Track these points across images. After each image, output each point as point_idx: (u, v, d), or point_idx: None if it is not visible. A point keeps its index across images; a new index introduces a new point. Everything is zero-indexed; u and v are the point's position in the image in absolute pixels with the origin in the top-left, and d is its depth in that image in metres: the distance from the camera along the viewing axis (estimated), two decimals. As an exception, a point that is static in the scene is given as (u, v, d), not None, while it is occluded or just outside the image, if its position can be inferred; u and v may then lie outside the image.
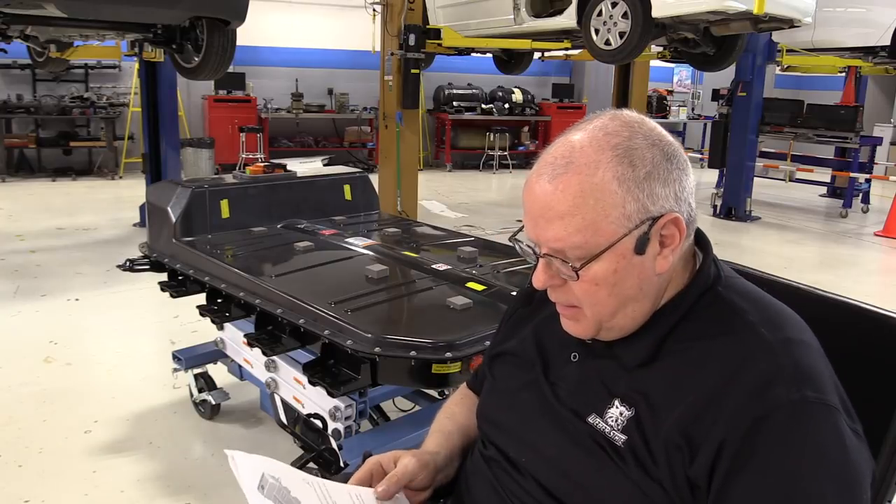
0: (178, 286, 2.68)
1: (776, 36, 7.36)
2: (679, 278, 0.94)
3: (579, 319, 0.95)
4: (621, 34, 5.42)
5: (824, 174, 9.14)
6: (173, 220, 2.65)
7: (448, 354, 1.73)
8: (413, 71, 6.43)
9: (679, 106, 13.25)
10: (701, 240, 0.98)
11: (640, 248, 0.87)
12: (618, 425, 0.89)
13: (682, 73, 13.80)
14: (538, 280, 0.93)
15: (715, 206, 8.14)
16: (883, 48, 7.44)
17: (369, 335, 1.78)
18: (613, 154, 0.87)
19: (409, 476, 1.04)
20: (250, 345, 2.23)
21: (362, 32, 8.05)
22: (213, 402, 2.87)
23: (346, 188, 3.14)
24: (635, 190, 0.86)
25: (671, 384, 0.88)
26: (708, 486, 0.82)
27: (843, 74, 9.64)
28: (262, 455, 1.01)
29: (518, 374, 1.07)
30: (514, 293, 2.06)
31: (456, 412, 1.22)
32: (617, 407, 0.90)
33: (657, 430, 0.86)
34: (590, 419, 0.92)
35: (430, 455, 1.09)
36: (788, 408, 0.80)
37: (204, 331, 2.99)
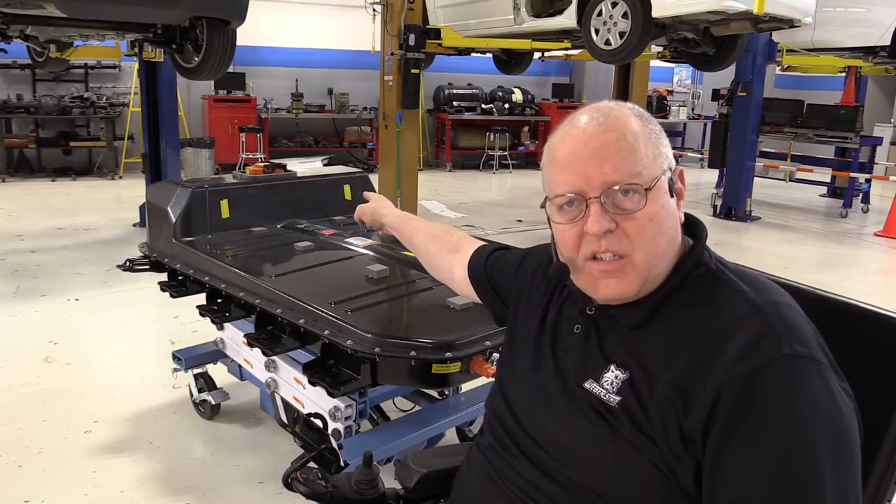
0: (178, 286, 2.68)
1: (776, 36, 7.36)
2: (680, 248, 0.99)
3: (626, 272, 0.95)
4: (621, 34, 5.42)
5: (824, 174, 9.14)
6: (173, 220, 2.65)
7: (448, 354, 1.73)
8: (413, 71, 6.43)
9: (679, 106, 13.25)
10: (695, 224, 1.03)
11: (671, 190, 0.96)
12: (612, 388, 0.94)
13: (682, 73, 13.80)
14: (597, 224, 0.93)
15: (715, 206, 8.14)
16: (883, 48, 7.44)
17: (369, 335, 1.78)
18: (633, 113, 0.97)
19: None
20: (250, 345, 2.23)
21: (362, 32, 8.06)
22: (213, 402, 2.87)
23: (346, 188, 3.14)
24: (656, 141, 0.96)
25: (665, 347, 0.92)
26: (703, 438, 0.85)
27: (843, 74, 9.64)
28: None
29: (531, 351, 1.10)
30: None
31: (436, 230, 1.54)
32: (612, 371, 0.95)
33: (651, 388, 0.90)
34: (586, 384, 0.97)
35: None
36: (780, 361, 0.83)
37: (204, 331, 2.99)
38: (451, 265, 1.46)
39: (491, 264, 1.34)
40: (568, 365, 1.02)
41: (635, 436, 0.89)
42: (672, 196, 0.96)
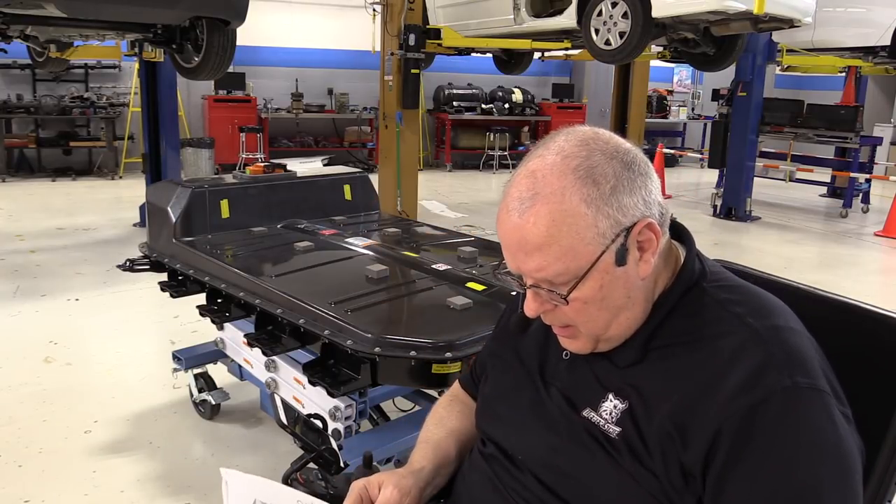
0: (178, 286, 2.68)
1: (776, 36, 7.36)
2: (663, 275, 0.96)
3: (576, 337, 0.97)
4: (621, 34, 5.42)
5: (824, 174, 9.14)
6: (173, 220, 2.65)
7: (448, 354, 1.73)
8: (413, 71, 6.43)
9: (679, 106, 13.25)
10: (683, 235, 1.00)
11: (621, 259, 0.89)
12: (612, 418, 0.91)
13: (682, 73, 13.80)
14: (530, 309, 0.95)
15: (715, 206, 8.14)
16: (883, 48, 7.44)
17: (369, 335, 1.78)
18: (576, 177, 0.88)
19: None
20: (250, 345, 2.23)
21: (362, 32, 8.05)
22: (213, 402, 2.87)
23: (346, 188, 3.14)
24: (604, 207, 0.88)
25: (663, 377, 0.90)
26: (703, 473, 0.84)
27: (843, 74, 9.64)
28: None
29: (515, 374, 1.08)
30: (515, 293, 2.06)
31: (444, 416, 1.23)
32: (611, 400, 0.92)
33: (650, 420, 0.88)
34: (584, 413, 0.94)
35: (414, 476, 1.09)
36: (782, 395, 0.82)
37: (204, 331, 2.99)
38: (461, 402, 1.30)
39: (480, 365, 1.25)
40: (561, 391, 0.99)
41: (635, 468, 0.87)
42: (625, 263, 0.89)
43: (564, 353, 1.02)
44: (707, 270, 0.97)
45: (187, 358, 2.85)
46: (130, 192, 8.09)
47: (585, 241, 0.87)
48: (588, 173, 0.88)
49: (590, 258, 0.88)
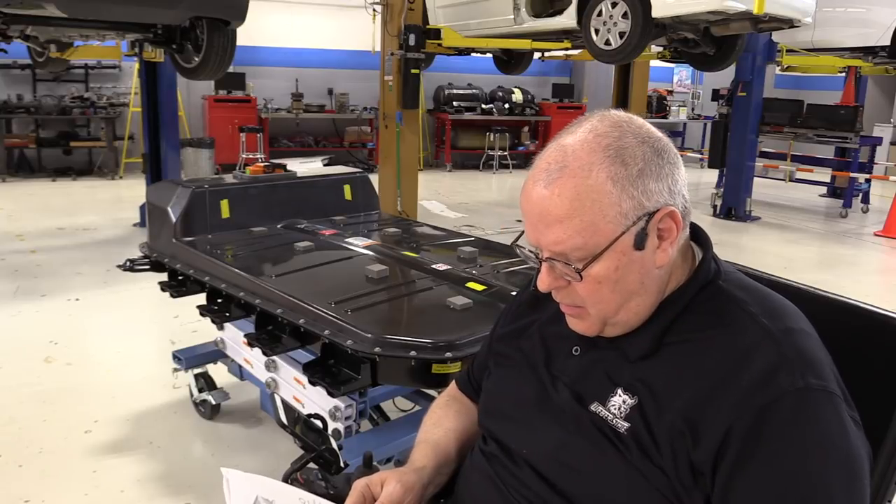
0: (178, 286, 2.68)
1: (776, 36, 7.36)
2: (679, 271, 0.96)
3: (584, 318, 0.97)
4: (621, 34, 5.43)
5: (824, 174, 9.13)
6: (173, 220, 2.65)
7: (448, 354, 1.73)
8: (413, 71, 6.43)
9: (679, 106, 13.24)
10: (700, 236, 1.01)
11: (639, 243, 0.90)
12: (621, 413, 0.91)
13: (682, 73, 13.80)
14: (543, 283, 0.95)
15: (715, 206, 8.14)
16: (883, 48, 7.44)
17: (369, 335, 1.78)
18: (605, 155, 0.89)
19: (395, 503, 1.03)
20: (250, 345, 2.23)
21: (362, 32, 8.06)
22: (213, 402, 2.87)
23: (346, 188, 3.14)
24: (630, 188, 0.88)
25: (674, 373, 0.90)
26: (713, 472, 0.83)
27: (843, 74, 9.64)
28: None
29: (520, 369, 1.08)
30: (515, 293, 2.06)
31: (442, 416, 1.23)
32: (620, 395, 0.92)
33: (660, 417, 0.87)
34: (592, 407, 0.94)
35: (416, 473, 1.08)
36: (793, 395, 0.82)
37: (204, 331, 2.99)
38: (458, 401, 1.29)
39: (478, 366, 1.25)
40: (569, 386, 0.99)
41: (644, 464, 0.87)
42: (643, 248, 0.90)
43: (574, 349, 1.01)
44: (722, 270, 0.97)
45: (187, 358, 2.85)
46: (130, 192, 8.09)
47: (607, 218, 0.88)
48: (618, 153, 0.89)
49: (609, 236, 0.89)
